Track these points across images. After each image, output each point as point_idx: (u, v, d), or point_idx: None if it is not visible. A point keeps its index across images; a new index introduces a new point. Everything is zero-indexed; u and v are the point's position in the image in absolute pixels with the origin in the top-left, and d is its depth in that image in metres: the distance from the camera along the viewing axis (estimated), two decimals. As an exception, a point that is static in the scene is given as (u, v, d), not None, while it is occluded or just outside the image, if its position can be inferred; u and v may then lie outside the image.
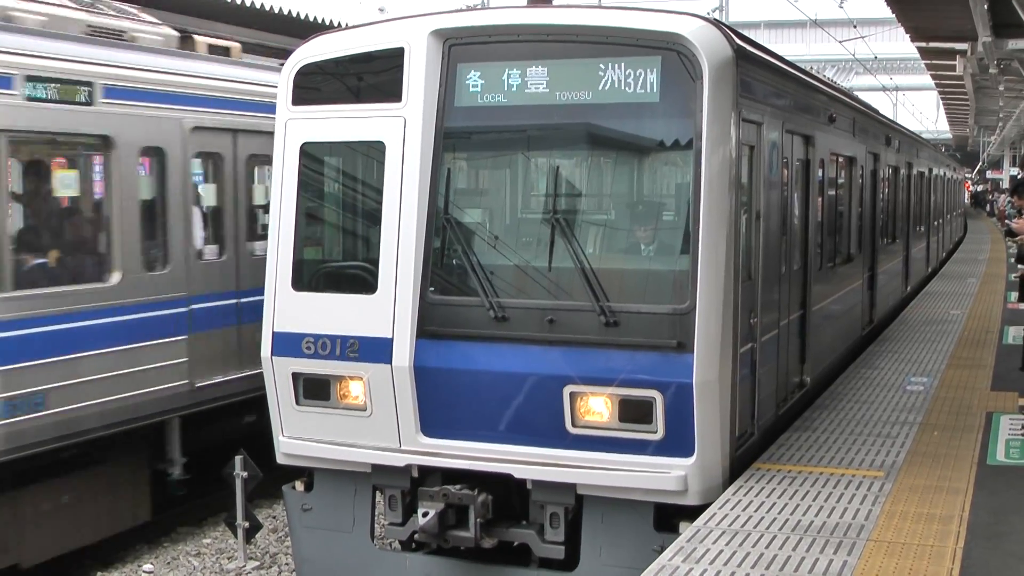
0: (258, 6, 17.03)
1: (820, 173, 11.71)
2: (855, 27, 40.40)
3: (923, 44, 23.59)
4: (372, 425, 8.73)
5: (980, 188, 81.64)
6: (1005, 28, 19.42)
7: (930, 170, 26.39)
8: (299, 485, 9.39)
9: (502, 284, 8.56)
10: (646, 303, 8.20)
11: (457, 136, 8.76)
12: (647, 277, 8.57)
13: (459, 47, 8.58)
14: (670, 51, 8.02)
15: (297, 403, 8.99)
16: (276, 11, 17.41)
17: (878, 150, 16.48)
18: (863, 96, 23.64)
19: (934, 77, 34.55)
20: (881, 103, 52.42)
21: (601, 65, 8.15)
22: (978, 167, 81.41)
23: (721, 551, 6.92)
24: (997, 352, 14.49)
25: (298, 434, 9.05)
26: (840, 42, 39.33)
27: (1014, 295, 21.20)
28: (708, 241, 7.92)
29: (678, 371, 7.92)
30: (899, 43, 44.76)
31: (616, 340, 8.09)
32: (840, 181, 13.56)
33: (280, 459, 9.25)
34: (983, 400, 11.42)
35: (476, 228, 8.91)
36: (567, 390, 8.18)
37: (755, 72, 8.86)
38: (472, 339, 8.47)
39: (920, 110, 70.73)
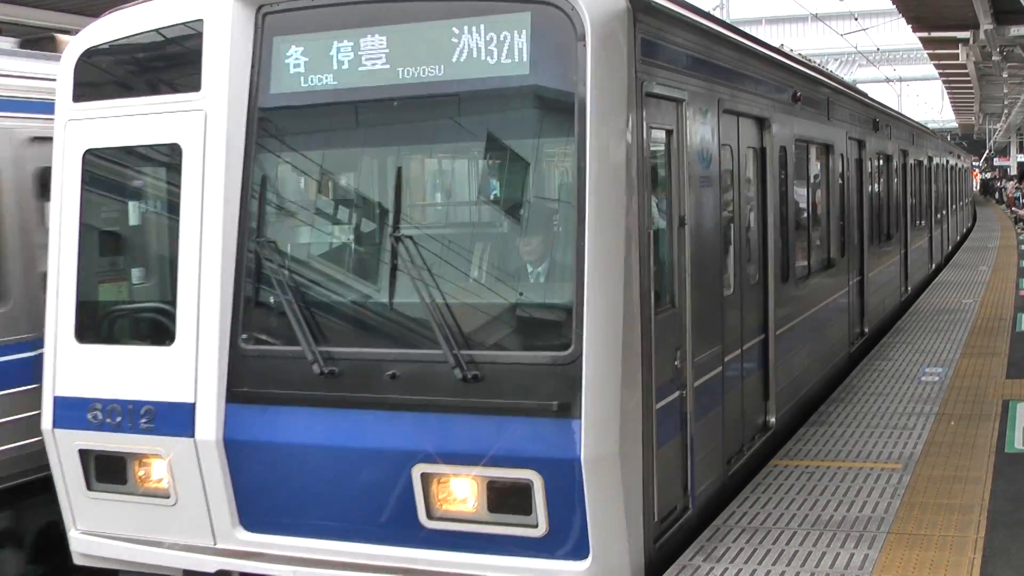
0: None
1: (780, 165, 9.73)
2: (856, 19, 40.45)
3: (925, 34, 23.62)
4: (179, 516, 6.87)
5: (988, 176, 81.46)
6: (1006, 15, 19.46)
7: (930, 158, 24.30)
8: None
9: (332, 327, 6.63)
10: (516, 349, 6.28)
11: (274, 133, 6.84)
12: (517, 314, 6.43)
13: (275, 15, 6.73)
14: (542, 4, 6.10)
15: (89, 488, 7.14)
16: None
17: (863, 136, 14.44)
18: (866, 88, 23.59)
19: (937, 66, 34.58)
20: (885, 94, 52.42)
21: (455, 29, 6.24)
22: (985, 155, 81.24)
23: (742, 549, 6.89)
24: (1011, 340, 14.43)
25: (94, 527, 7.20)
26: (842, 35, 39.35)
27: (1027, 282, 21.23)
28: (598, 261, 5.98)
29: (560, 443, 5.97)
30: (901, 34, 44.77)
31: (478, 402, 6.13)
32: (811, 174, 11.58)
33: (76, 559, 7.41)
34: (999, 388, 11.37)
35: (299, 254, 7.09)
36: (417, 471, 6.27)
37: (668, 32, 6.97)
38: (295, 403, 6.57)
39: (925, 100, 70.75)
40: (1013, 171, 68.37)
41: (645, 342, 6.29)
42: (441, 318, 6.21)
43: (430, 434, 6.22)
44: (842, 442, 9.37)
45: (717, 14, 21.14)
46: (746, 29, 10.90)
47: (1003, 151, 78.70)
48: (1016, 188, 53.91)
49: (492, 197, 7.13)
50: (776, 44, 12.45)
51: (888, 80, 58.98)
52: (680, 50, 7.21)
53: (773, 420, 9.33)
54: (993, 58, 23.57)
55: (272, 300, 6.71)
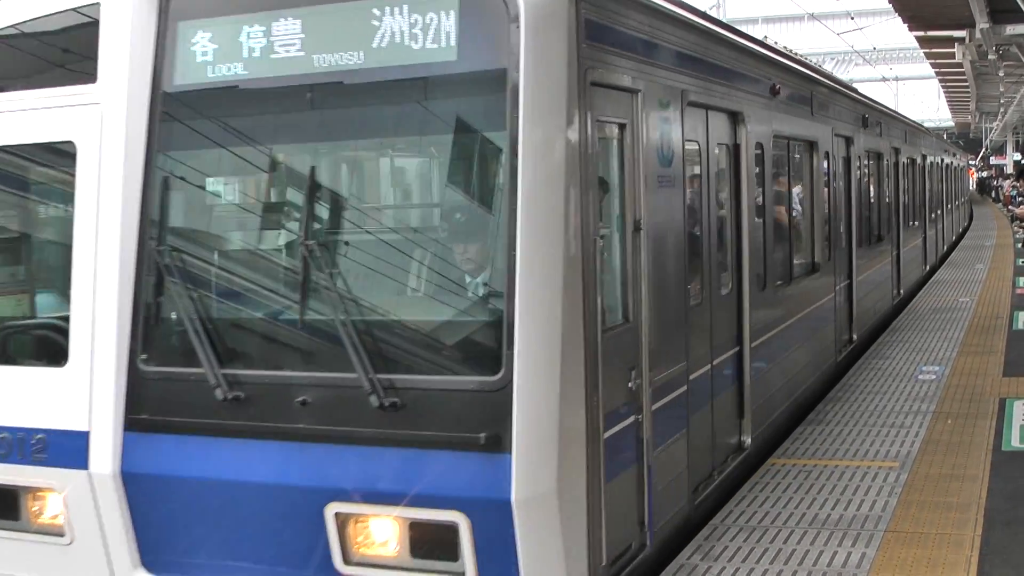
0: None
1: (756, 163, 9.11)
2: (852, 18, 40.51)
3: (921, 33, 23.63)
4: (75, 557, 6.21)
5: (984, 174, 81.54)
6: (1002, 14, 19.46)
7: (924, 156, 23.53)
8: None
9: (238, 347, 6.00)
10: (439, 374, 5.57)
11: (178, 128, 6.18)
12: (441, 333, 5.77)
13: None
14: None
15: None
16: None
17: (851, 133, 13.71)
18: (863, 87, 23.54)
19: (933, 65, 34.59)
20: (882, 93, 52.46)
21: (375, 11, 5.62)
22: (981, 153, 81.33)
23: (739, 547, 6.91)
24: (1008, 338, 14.51)
25: None
26: (838, 34, 39.38)
27: (1023, 280, 21.24)
28: (532, 273, 5.32)
29: (488, 481, 5.31)
30: (897, 33, 44.85)
31: (398, 433, 5.46)
32: (792, 173, 10.92)
33: None
34: (995, 386, 11.42)
35: (204, 263, 6.32)
36: (331, 510, 5.61)
37: (618, 13, 6.29)
38: (198, 431, 5.93)
39: (921, 99, 70.82)
40: (1009, 169, 68.45)
41: (590, 363, 5.64)
42: (356, 337, 5.54)
43: (345, 469, 5.57)
44: (839, 441, 9.39)
45: (713, 13, 21.04)
46: (743, 29, 10.75)
47: (999, 149, 78.73)
48: (1012, 186, 54.01)
49: (416, 200, 6.62)
50: (769, 41, 12.33)
51: (885, 79, 59.05)
52: (634, 34, 6.54)
53: (749, 440, 8.64)
54: (989, 57, 23.60)
55: (174, 316, 6.08)
